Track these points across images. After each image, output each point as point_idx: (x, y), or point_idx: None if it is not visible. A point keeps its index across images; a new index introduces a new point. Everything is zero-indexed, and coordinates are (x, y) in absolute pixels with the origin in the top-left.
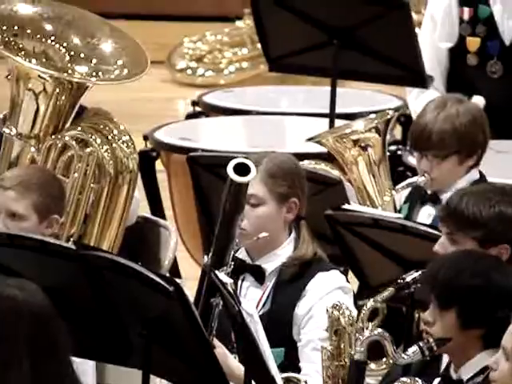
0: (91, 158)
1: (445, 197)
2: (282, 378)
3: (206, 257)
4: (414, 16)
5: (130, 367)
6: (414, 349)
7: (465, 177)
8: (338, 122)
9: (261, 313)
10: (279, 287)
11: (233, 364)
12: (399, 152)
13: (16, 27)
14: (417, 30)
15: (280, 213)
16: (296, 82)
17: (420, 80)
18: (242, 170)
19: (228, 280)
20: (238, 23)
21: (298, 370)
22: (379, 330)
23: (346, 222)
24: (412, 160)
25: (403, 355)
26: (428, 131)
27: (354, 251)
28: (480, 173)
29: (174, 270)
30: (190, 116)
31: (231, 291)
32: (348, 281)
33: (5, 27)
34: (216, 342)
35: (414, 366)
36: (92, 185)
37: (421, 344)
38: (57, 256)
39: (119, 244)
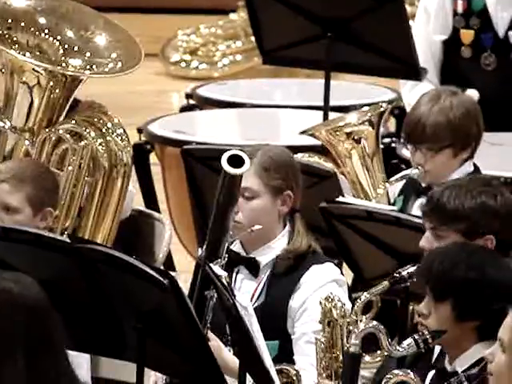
0: (85, 151)
1: None
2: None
3: (200, 249)
4: (408, 8)
5: (125, 360)
6: (408, 341)
7: (459, 169)
8: (332, 115)
9: (255, 305)
10: (273, 280)
11: (227, 357)
12: (393, 144)
13: (10, 20)
14: (410, 22)
15: (274, 205)
16: (290, 75)
17: (414, 72)
18: (236, 162)
19: (222, 273)
20: (232, 16)
21: (293, 363)
22: (374, 322)
23: (340, 214)
24: (406, 152)
25: (398, 348)
26: (422, 124)
27: (348, 244)
28: (474, 165)
29: (169, 262)
30: (183, 109)
31: (225, 284)
32: (342, 273)
33: None
34: (210, 334)
35: (408, 357)
36: (86, 178)
37: (416, 336)
38: (51, 249)
39: (113, 237)
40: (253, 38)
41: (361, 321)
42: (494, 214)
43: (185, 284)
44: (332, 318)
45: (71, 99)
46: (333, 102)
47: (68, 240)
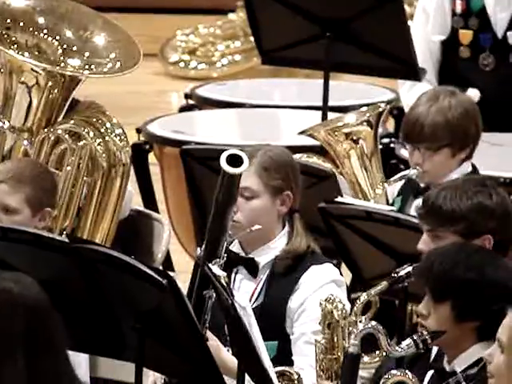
0: (84, 151)
1: None
2: (276, 372)
3: (198, 249)
4: (407, 9)
5: (124, 360)
6: (407, 342)
7: (457, 169)
8: (331, 115)
9: (254, 306)
10: (272, 280)
11: (226, 357)
12: (392, 145)
13: (8, 20)
14: (409, 22)
15: (274, 206)
16: (289, 75)
17: (413, 73)
18: (235, 161)
19: (221, 273)
20: (231, 16)
21: (291, 363)
22: (373, 322)
23: (339, 214)
24: (405, 153)
25: (397, 348)
26: (420, 124)
27: (347, 244)
28: (473, 165)
29: (167, 263)
30: (182, 109)
31: (224, 284)
32: (341, 274)
33: None
34: (209, 334)
35: (406, 357)
36: (85, 178)
37: (415, 337)
38: (50, 249)
39: (112, 237)
40: (252, 38)
41: (360, 321)
42: (490, 213)
43: (183, 284)
44: (333, 319)
45: (70, 99)
46: (332, 103)
47: (67, 240)
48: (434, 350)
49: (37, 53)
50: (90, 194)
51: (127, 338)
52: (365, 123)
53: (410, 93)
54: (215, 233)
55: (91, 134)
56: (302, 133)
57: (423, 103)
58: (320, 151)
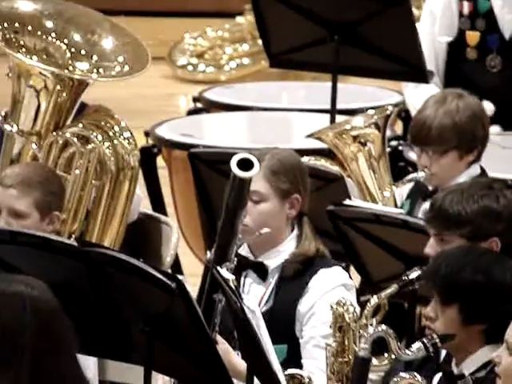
0: (92, 154)
1: None
2: (286, 375)
3: (208, 252)
4: (415, 11)
5: (132, 363)
6: (417, 345)
7: (465, 172)
8: (339, 118)
9: (263, 309)
10: (282, 284)
11: (235, 360)
12: (400, 147)
13: (17, 24)
14: (416, 24)
15: (282, 209)
16: (297, 78)
17: (421, 76)
18: (246, 165)
19: (230, 276)
20: (239, 19)
21: (301, 367)
22: (383, 326)
23: (347, 217)
24: (413, 155)
25: (407, 351)
26: (428, 126)
27: (355, 247)
28: (481, 168)
29: (176, 266)
30: (191, 112)
31: (233, 287)
32: (350, 277)
33: (6, 24)
34: (219, 338)
35: (415, 360)
36: (93, 181)
37: (425, 340)
38: (59, 253)
39: (121, 240)
40: (260, 41)
41: (371, 325)
42: (496, 216)
43: (192, 287)
44: (344, 322)
45: (78, 103)
46: (339, 105)
47: (76, 243)
48: (443, 352)
49: (45, 56)
50: (98, 197)
51: (136, 341)
52: (373, 126)
53: (414, 94)
54: (225, 236)
55: (99, 137)
56: (310, 136)
57: (431, 106)
58: (328, 154)
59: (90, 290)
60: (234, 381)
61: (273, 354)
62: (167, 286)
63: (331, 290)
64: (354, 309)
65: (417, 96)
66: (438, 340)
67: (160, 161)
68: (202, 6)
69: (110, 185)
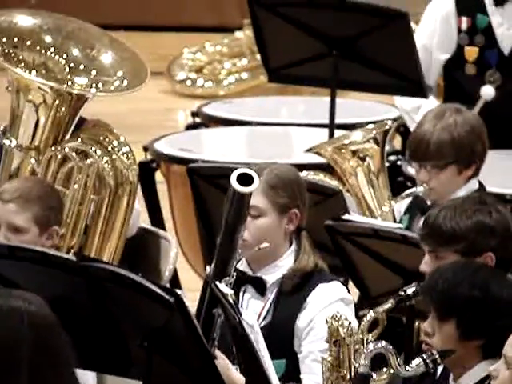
0: (91, 169)
1: None
2: None
3: (208, 267)
4: (414, 26)
5: (131, 378)
6: (417, 361)
7: (464, 187)
8: (338, 133)
9: (262, 324)
10: (280, 299)
11: (234, 375)
12: (399, 162)
13: (16, 39)
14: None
15: (281, 224)
16: (295, 93)
17: (419, 90)
18: (245, 180)
19: (228, 291)
20: (238, 34)
21: (299, 382)
22: (383, 342)
23: (345, 232)
24: (412, 170)
25: (407, 368)
26: (426, 142)
27: (354, 261)
28: (479, 182)
29: (174, 281)
30: (189, 127)
31: (231, 302)
32: (349, 291)
33: (5, 39)
34: (218, 352)
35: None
36: (92, 196)
37: (424, 356)
38: (57, 268)
39: (120, 255)
40: (258, 56)
41: (367, 339)
42: (490, 231)
43: (191, 302)
44: (339, 337)
45: (77, 117)
46: (338, 120)
47: (74, 258)
48: (440, 367)
49: (44, 71)
50: (97, 212)
51: (135, 356)
52: (371, 141)
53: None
54: (225, 251)
55: (98, 152)
56: (308, 150)
57: (429, 121)
58: (327, 169)
59: (88, 305)
60: None
61: (271, 368)
62: (166, 301)
63: (330, 304)
64: (349, 323)
65: (409, 101)
66: (437, 356)
67: (159, 176)
68: (200, 21)
69: (108, 199)
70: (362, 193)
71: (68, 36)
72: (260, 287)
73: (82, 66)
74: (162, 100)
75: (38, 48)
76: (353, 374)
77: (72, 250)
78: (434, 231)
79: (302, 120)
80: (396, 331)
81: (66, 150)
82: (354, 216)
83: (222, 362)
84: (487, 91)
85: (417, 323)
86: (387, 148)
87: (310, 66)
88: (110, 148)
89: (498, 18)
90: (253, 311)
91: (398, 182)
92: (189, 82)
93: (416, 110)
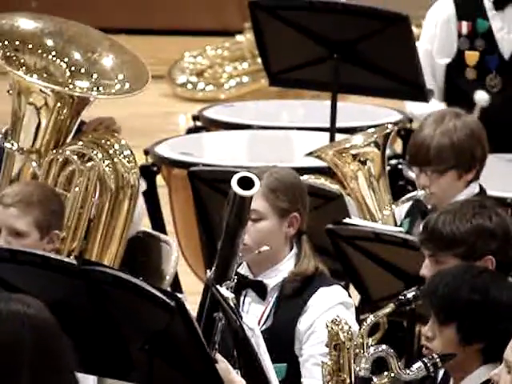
0: (92, 172)
1: None
2: None
3: (208, 271)
4: (415, 30)
5: (132, 382)
6: (418, 365)
7: (464, 191)
8: (339, 137)
9: (263, 328)
10: (281, 302)
11: (235, 379)
12: (399, 166)
13: (17, 42)
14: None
15: (281, 227)
16: (296, 97)
17: (420, 94)
18: (246, 183)
19: (229, 295)
20: (239, 38)
21: None
22: (384, 346)
23: (346, 236)
24: (412, 174)
25: (408, 371)
26: (426, 146)
27: (355, 265)
28: (480, 186)
29: (175, 284)
30: (190, 131)
31: (232, 306)
32: (350, 295)
33: (6, 42)
34: (218, 356)
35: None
36: (93, 199)
37: (425, 360)
38: (58, 271)
39: (120, 259)
40: (259, 60)
41: (367, 343)
42: (490, 234)
43: (192, 306)
44: (339, 340)
45: (78, 121)
46: (339, 124)
47: (75, 262)
48: (441, 372)
49: (45, 75)
50: (98, 215)
51: (136, 360)
52: (372, 144)
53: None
54: (226, 255)
55: (99, 155)
56: (309, 154)
57: (428, 125)
58: (327, 172)
59: (89, 309)
60: None
61: (272, 372)
62: (167, 305)
63: (330, 308)
64: (349, 327)
65: (416, 105)
66: (438, 360)
67: (160, 179)
68: (201, 25)
69: (109, 203)
70: (363, 196)
71: (69, 39)
72: (261, 291)
73: (83, 70)
74: (162, 104)
75: (39, 51)
76: (353, 378)
77: (73, 254)
78: (433, 235)
79: (302, 124)
80: (397, 335)
81: (67, 153)
82: (354, 220)
83: (223, 365)
84: (481, 97)
85: (418, 327)
86: (388, 152)
87: (311, 69)
88: (111, 151)
89: (499, 22)
90: (253, 315)
91: (398, 186)
92: (190, 86)
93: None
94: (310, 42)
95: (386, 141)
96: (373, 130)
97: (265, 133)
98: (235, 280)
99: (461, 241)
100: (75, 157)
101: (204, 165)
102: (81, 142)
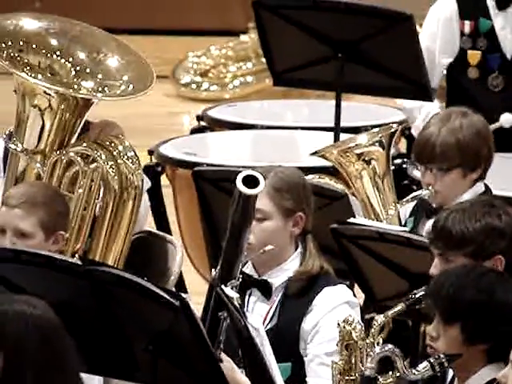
0: (96, 173)
1: None
2: None
3: (213, 270)
4: (419, 29)
5: (137, 382)
6: (424, 365)
7: (470, 190)
8: (343, 136)
9: (268, 328)
10: (286, 302)
11: (240, 378)
12: (404, 165)
13: (21, 42)
14: None
15: (286, 227)
16: (301, 96)
17: (425, 93)
18: (251, 182)
19: (234, 294)
20: (243, 37)
21: None
22: (390, 345)
23: (351, 235)
24: (417, 173)
25: (414, 371)
26: (431, 144)
27: (359, 265)
28: (486, 186)
29: (180, 284)
30: (194, 130)
31: (237, 305)
32: (355, 295)
33: (10, 42)
34: (223, 355)
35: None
36: (97, 200)
37: (431, 360)
38: (63, 272)
39: (124, 259)
40: (263, 60)
41: (377, 343)
42: (499, 234)
43: (196, 306)
44: (351, 340)
45: (82, 122)
46: (343, 123)
47: (79, 262)
48: (450, 372)
49: (49, 75)
50: (102, 216)
51: (140, 360)
52: (377, 144)
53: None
54: (231, 254)
55: (103, 156)
56: (314, 154)
57: (435, 123)
58: (332, 172)
59: (93, 309)
60: None
61: (277, 372)
62: (171, 305)
63: (335, 307)
64: (362, 327)
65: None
66: (444, 360)
67: (164, 179)
68: (205, 25)
69: (113, 204)
70: (368, 196)
71: (74, 39)
72: (266, 290)
73: (87, 70)
74: (167, 104)
75: (43, 51)
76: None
77: (77, 254)
78: (443, 235)
79: (307, 123)
80: (401, 335)
81: (71, 154)
82: (359, 219)
83: (228, 364)
84: (507, 119)
85: (422, 327)
86: (392, 151)
87: (316, 69)
88: (115, 153)
89: (501, 21)
90: (258, 314)
91: (403, 185)
92: (194, 86)
93: (417, 108)
94: (314, 42)
95: (390, 140)
96: (377, 129)
97: (269, 132)
98: (240, 279)
99: (470, 240)
100: (79, 158)
101: (208, 165)
102: (85, 144)
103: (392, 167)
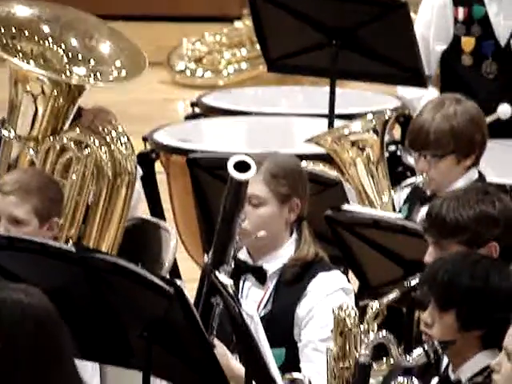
0: (89, 159)
1: None
2: (287, 379)
3: (206, 255)
4: (413, 16)
5: (131, 368)
6: (418, 351)
7: (463, 177)
8: (338, 123)
9: (262, 313)
10: (281, 288)
11: (233, 365)
12: (398, 152)
13: (14, 29)
14: None
15: (282, 213)
16: (295, 83)
17: (419, 80)
18: (243, 167)
19: (228, 281)
20: (237, 24)
21: (299, 371)
22: (384, 332)
23: (345, 222)
24: (411, 160)
25: (408, 358)
26: (425, 130)
27: (353, 252)
28: (479, 173)
29: (174, 271)
30: (189, 117)
31: (231, 292)
32: (349, 281)
33: (2, 29)
34: (216, 341)
35: (416, 366)
36: (90, 186)
37: (425, 346)
38: (57, 258)
39: (118, 246)
40: (258, 46)
41: (372, 330)
42: (493, 221)
43: (190, 292)
44: (346, 327)
45: (75, 108)
46: (338, 110)
47: (73, 249)
48: (446, 358)
49: (42, 61)
50: (95, 202)
51: (135, 346)
52: (371, 131)
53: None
54: (223, 239)
55: (96, 142)
56: (308, 141)
57: (429, 110)
58: (326, 159)
59: (87, 295)
60: None
61: (271, 357)
62: (165, 292)
63: (330, 293)
64: (356, 314)
65: (408, 89)
66: (438, 346)
67: (158, 166)
68: (200, 11)
69: (106, 190)
70: (362, 183)
71: (66, 26)
72: (260, 276)
73: (80, 56)
74: (161, 90)
75: (36, 38)
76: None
77: (71, 240)
78: (437, 222)
79: (301, 110)
80: (396, 321)
81: (64, 140)
82: (353, 206)
83: (221, 350)
84: (505, 110)
85: (417, 313)
86: (387, 138)
87: (310, 55)
88: (108, 138)
89: (495, 8)
90: (253, 300)
91: (397, 172)
92: (188, 73)
93: (418, 99)
94: (308, 28)
95: (384, 127)
96: (371, 116)
97: (264, 119)
98: (232, 264)
99: (464, 227)
100: (72, 144)
101: (203, 151)
102: (78, 130)
103: (386, 154)
